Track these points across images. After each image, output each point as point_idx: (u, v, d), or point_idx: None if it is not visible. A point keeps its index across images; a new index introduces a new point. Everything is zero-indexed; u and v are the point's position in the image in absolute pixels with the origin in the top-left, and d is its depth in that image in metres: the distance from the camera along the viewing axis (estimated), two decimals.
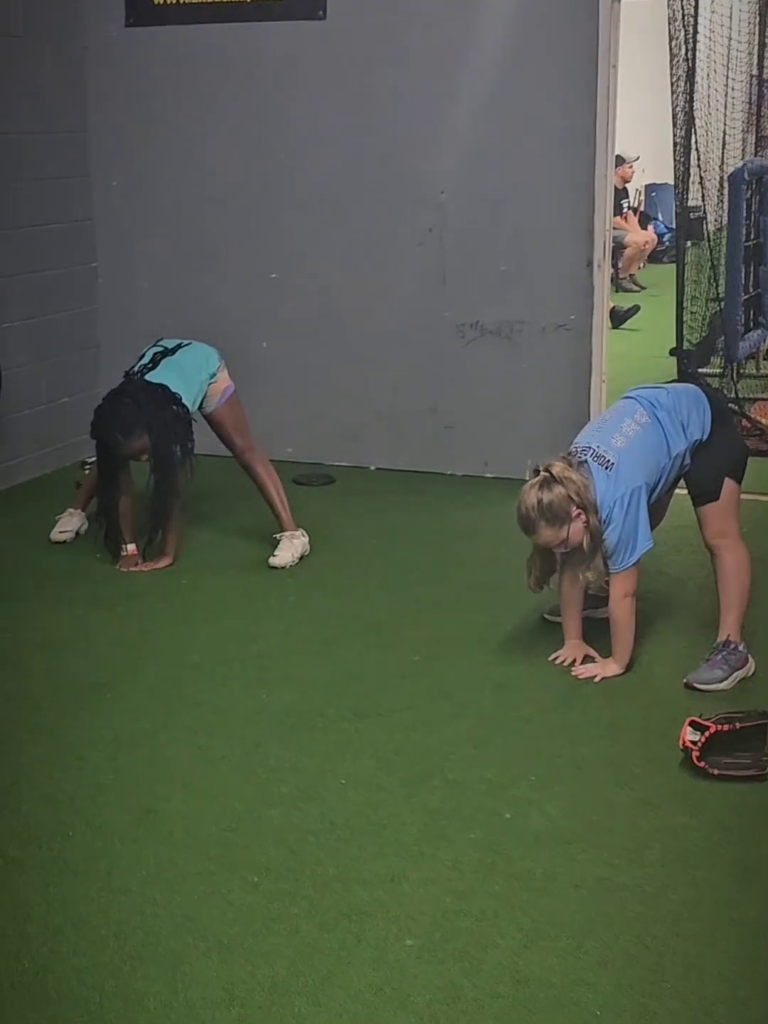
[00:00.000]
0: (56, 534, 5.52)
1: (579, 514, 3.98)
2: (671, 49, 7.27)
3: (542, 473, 4.01)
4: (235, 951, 2.84)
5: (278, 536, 5.28)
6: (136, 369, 5.10)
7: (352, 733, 3.84)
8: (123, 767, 3.65)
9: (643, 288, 12.56)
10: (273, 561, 5.18)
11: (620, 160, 11.93)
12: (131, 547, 5.17)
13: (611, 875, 3.10)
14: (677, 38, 7.27)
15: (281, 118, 6.39)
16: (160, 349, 5.16)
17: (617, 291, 12.28)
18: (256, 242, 6.57)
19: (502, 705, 4.01)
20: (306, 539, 5.32)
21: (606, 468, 4.03)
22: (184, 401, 4.99)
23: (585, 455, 4.07)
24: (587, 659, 4.25)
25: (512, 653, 4.39)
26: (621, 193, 12.31)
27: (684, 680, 4.08)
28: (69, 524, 5.55)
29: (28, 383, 6.45)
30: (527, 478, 4.07)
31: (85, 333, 6.85)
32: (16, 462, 6.44)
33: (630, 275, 12.72)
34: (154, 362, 5.09)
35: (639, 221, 13.50)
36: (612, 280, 12.19)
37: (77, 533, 5.54)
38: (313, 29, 6.20)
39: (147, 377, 5.03)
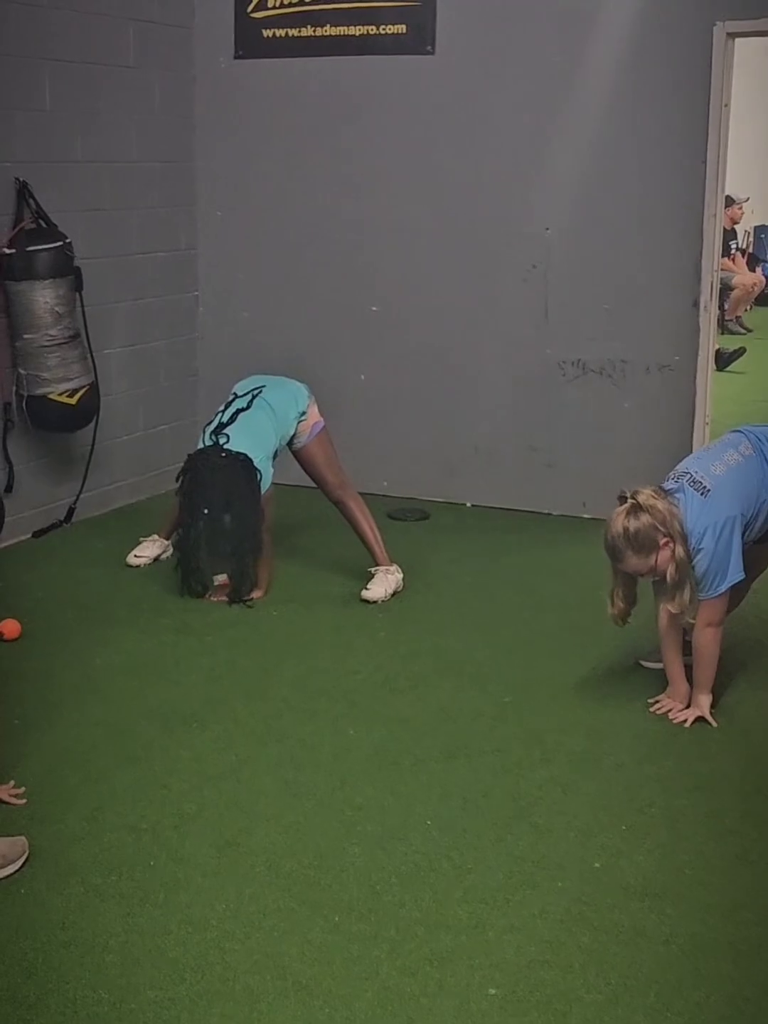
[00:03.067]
0: (132, 557, 5.54)
1: (667, 542, 3.91)
2: None
3: (629, 500, 3.94)
4: (314, 992, 2.78)
5: (373, 570, 5.23)
6: (214, 427, 5.04)
7: (440, 774, 3.77)
8: (207, 799, 3.61)
9: (750, 330, 12.36)
10: (365, 595, 5.14)
11: (729, 201, 11.78)
12: (222, 577, 5.15)
13: (703, 932, 3.00)
14: None
15: (387, 152, 6.38)
16: (238, 406, 5.08)
17: (723, 333, 12.10)
18: (357, 274, 6.56)
19: (594, 751, 3.91)
20: (400, 575, 5.27)
21: (702, 494, 3.97)
22: (257, 464, 4.94)
23: (682, 480, 4.02)
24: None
25: (606, 698, 4.29)
26: (730, 234, 12.15)
27: None
28: (148, 549, 5.57)
29: (127, 410, 6.50)
30: (617, 505, 4.00)
31: (185, 361, 6.88)
32: (113, 487, 6.48)
33: (737, 317, 12.52)
34: (233, 418, 5.04)
35: (747, 263, 13.31)
36: (718, 322, 12.08)
37: (156, 559, 5.55)
38: (421, 64, 6.19)
39: (227, 439, 4.97)
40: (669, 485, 4.04)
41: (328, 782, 3.71)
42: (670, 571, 3.93)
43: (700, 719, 4.07)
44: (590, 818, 3.51)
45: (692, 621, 4.06)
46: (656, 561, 3.93)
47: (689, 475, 4.03)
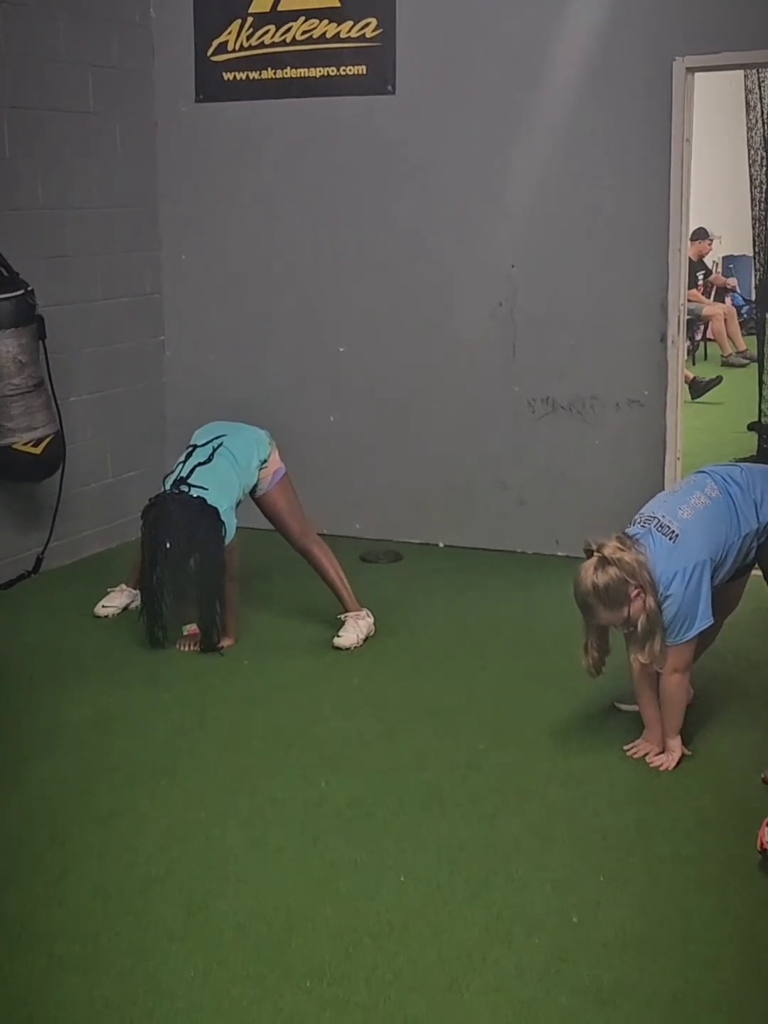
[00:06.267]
0: (100, 608, 5.48)
1: (638, 593, 3.85)
2: (749, 121, 7.19)
3: (595, 554, 3.88)
4: None
5: (343, 617, 5.16)
6: (173, 480, 4.97)
7: (414, 826, 3.69)
8: (175, 859, 3.52)
9: (753, 360, 12.18)
10: (337, 642, 5.07)
11: (703, 234, 11.79)
12: (192, 626, 5.07)
13: (686, 988, 2.92)
14: (755, 110, 7.19)
15: (350, 192, 6.35)
16: (198, 459, 4.99)
17: (725, 365, 12.05)
18: (324, 315, 6.51)
19: (571, 798, 3.84)
20: (371, 620, 5.20)
21: (670, 539, 3.91)
22: (221, 515, 4.86)
23: (650, 525, 3.97)
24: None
25: (582, 742, 4.21)
26: (698, 266, 12.14)
27: (763, 775, 3.88)
28: (116, 599, 5.50)
29: (95, 457, 6.42)
30: (584, 557, 3.95)
31: (152, 406, 6.81)
32: (82, 536, 6.39)
33: (739, 352, 12.29)
34: (191, 472, 4.95)
35: (714, 294, 13.27)
36: (727, 358, 12.06)
37: (125, 609, 5.48)
38: (383, 104, 6.17)
39: (188, 489, 4.90)
40: (635, 531, 3.99)
41: (299, 838, 3.62)
42: (641, 621, 3.87)
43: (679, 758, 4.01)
44: (567, 869, 3.43)
45: (661, 671, 4.01)
46: (628, 613, 3.87)
47: (656, 520, 3.98)
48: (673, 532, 3.92)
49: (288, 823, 3.71)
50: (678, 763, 4.01)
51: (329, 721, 4.44)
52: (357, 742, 4.27)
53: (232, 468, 4.99)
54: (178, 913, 3.25)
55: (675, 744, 4.03)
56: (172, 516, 4.85)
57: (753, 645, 4.96)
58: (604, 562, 3.85)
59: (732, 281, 13.39)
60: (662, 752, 4.05)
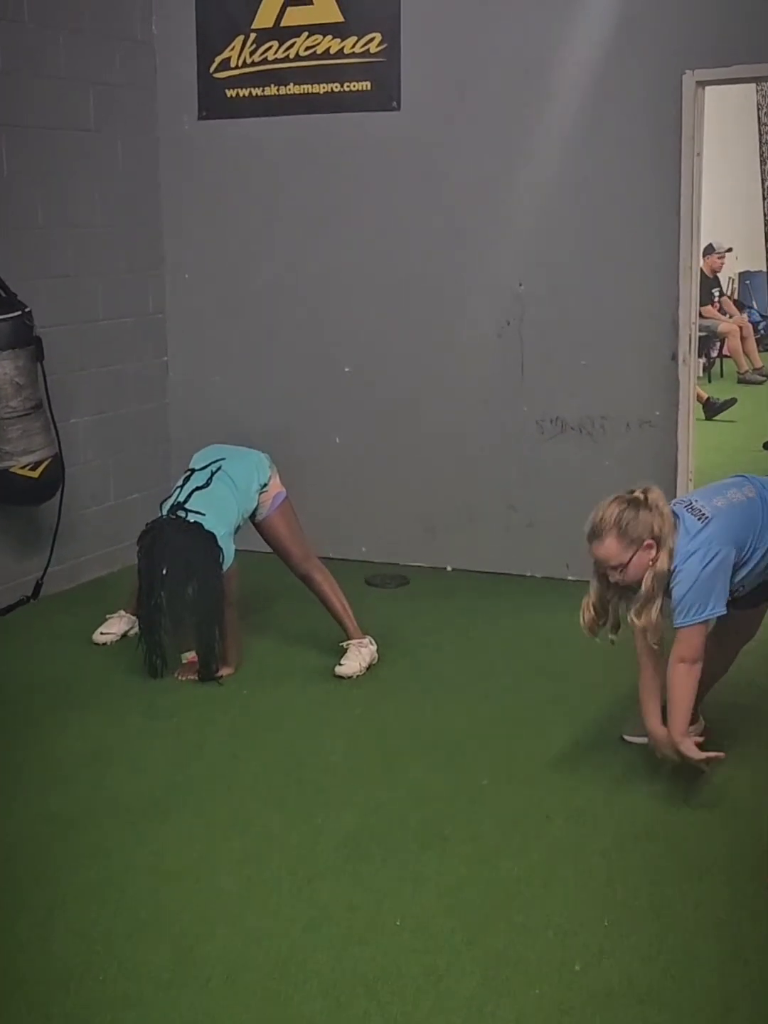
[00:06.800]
0: (98, 635, 5.37)
1: (651, 546, 3.74)
2: (761, 135, 7.07)
3: (636, 493, 3.80)
4: None
5: (345, 644, 5.04)
6: (171, 505, 4.88)
7: (413, 865, 3.55)
8: (165, 900, 3.39)
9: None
10: (339, 670, 4.94)
11: (710, 250, 11.66)
12: (190, 654, 4.95)
13: None
14: (766, 124, 7.07)
15: (355, 210, 6.25)
16: (196, 483, 4.90)
17: (742, 382, 11.93)
18: (329, 335, 6.41)
19: (575, 836, 3.70)
20: (374, 647, 5.08)
21: (700, 520, 3.80)
22: (219, 541, 4.76)
23: (681, 506, 3.88)
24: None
25: (588, 776, 4.07)
26: (712, 282, 12.00)
27: None
28: (115, 626, 5.40)
29: (97, 479, 6.33)
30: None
31: (155, 428, 6.71)
32: (84, 560, 6.29)
33: (755, 369, 12.15)
34: (189, 497, 4.86)
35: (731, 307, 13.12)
36: (744, 375, 11.93)
37: (124, 636, 5.37)
38: (387, 120, 6.07)
39: (186, 515, 4.81)
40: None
41: (293, 878, 3.49)
42: (646, 579, 3.75)
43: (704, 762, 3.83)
44: (570, 913, 3.29)
45: (655, 646, 3.87)
46: (631, 559, 3.75)
47: (689, 503, 3.89)
48: (705, 516, 3.81)
49: (282, 862, 3.58)
50: (707, 761, 3.81)
51: (329, 754, 4.31)
52: (357, 776, 4.14)
53: (231, 493, 4.88)
54: (165, 959, 3.13)
55: (686, 746, 3.80)
56: (169, 542, 4.75)
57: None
58: (640, 503, 3.78)
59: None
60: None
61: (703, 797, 3.90)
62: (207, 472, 4.90)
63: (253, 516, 5.03)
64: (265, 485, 5.00)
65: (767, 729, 4.40)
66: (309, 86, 6.16)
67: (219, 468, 4.91)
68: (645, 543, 3.75)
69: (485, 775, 4.10)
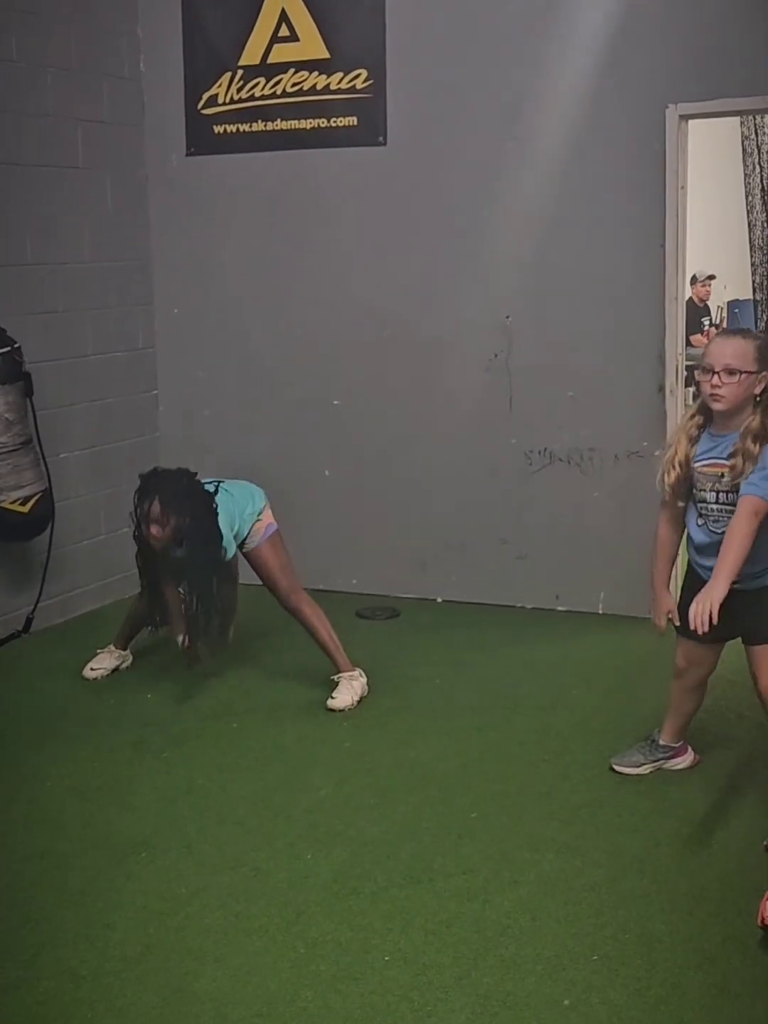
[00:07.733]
0: (87, 671, 5.37)
1: (765, 378, 3.74)
2: (746, 167, 7.12)
3: None
4: None
5: (336, 678, 5.04)
6: None
7: (402, 901, 3.54)
8: (153, 939, 3.38)
9: None
10: (331, 704, 4.94)
11: (694, 279, 11.68)
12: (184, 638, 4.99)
13: None
14: (752, 156, 7.12)
15: (342, 244, 6.28)
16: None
17: None
18: (317, 369, 6.43)
19: (565, 870, 3.69)
20: (364, 679, 5.07)
21: None
22: (220, 525, 4.87)
23: None
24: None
25: (578, 809, 4.07)
26: (702, 311, 12.04)
27: (764, 843, 3.73)
28: (105, 661, 5.40)
29: (87, 513, 6.33)
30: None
31: (145, 462, 6.59)
32: (75, 594, 6.29)
33: None
34: None
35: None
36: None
37: (114, 671, 5.38)
38: (374, 155, 6.10)
39: None
40: None
41: (281, 915, 3.48)
42: (752, 415, 3.74)
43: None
44: (560, 948, 3.28)
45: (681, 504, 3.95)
46: (744, 375, 3.71)
47: None
48: None
49: (270, 899, 3.57)
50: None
51: (318, 788, 4.31)
52: (346, 810, 4.13)
53: (233, 503, 4.96)
54: (153, 997, 3.12)
55: (718, 592, 3.49)
56: (165, 479, 4.88)
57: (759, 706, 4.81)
58: None
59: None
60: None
61: (693, 832, 3.89)
62: (210, 485, 4.98)
63: (243, 545, 5.04)
64: (259, 514, 5.04)
65: (757, 762, 4.40)
66: (296, 122, 6.20)
67: (219, 485, 4.99)
68: (763, 375, 3.74)
69: (474, 809, 4.09)
